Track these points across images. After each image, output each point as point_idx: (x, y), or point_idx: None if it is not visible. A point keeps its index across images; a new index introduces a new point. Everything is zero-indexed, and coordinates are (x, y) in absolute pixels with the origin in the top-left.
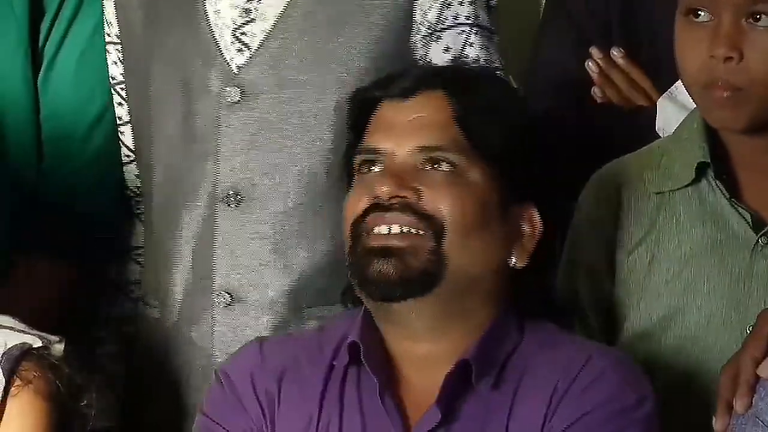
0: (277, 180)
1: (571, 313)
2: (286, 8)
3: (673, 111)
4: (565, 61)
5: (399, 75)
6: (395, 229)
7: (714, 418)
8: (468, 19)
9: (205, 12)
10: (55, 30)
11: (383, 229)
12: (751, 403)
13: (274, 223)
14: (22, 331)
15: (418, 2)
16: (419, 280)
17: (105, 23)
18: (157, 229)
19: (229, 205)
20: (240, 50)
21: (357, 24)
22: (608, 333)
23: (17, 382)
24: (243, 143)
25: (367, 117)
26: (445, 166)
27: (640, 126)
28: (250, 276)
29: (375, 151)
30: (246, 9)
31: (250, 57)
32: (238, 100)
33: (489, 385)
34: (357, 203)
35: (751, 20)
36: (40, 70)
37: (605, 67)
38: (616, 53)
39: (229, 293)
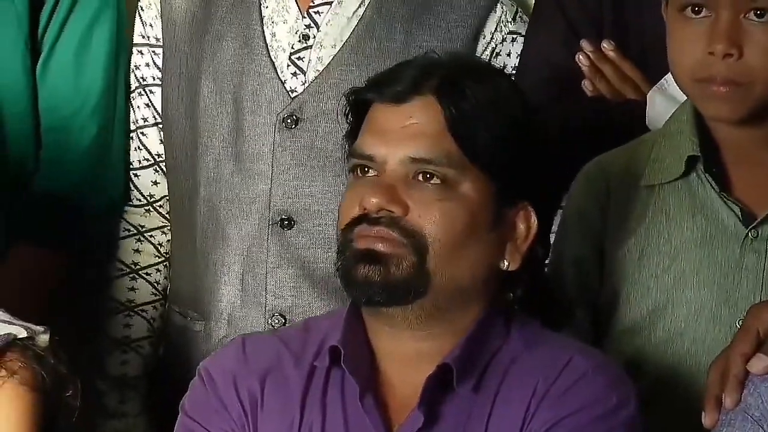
0: (329, 205)
1: (565, 307)
2: (345, 39)
3: (663, 104)
4: (555, 54)
5: (393, 77)
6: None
7: (703, 413)
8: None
9: (263, 33)
10: (53, 20)
11: (371, 232)
12: (741, 398)
13: (326, 247)
14: (8, 322)
15: (479, 41)
16: (402, 290)
17: (141, 24)
18: (202, 242)
19: (282, 227)
20: (295, 74)
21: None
22: (597, 327)
23: (2, 372)
24: (296, 167)
25: (361, 117)
26: (435, 180)
27: (630, 119)
28: (301, 298)
29: (368, 158)
30: (305, 35)
31: (307, 83)
32: (293, 126)
33: (470, 387)
34: (349, 210)
35: (750, 16)
36: (38, 61)
37: (596, 60)
38: (606, 46)
39: (282, 315)
